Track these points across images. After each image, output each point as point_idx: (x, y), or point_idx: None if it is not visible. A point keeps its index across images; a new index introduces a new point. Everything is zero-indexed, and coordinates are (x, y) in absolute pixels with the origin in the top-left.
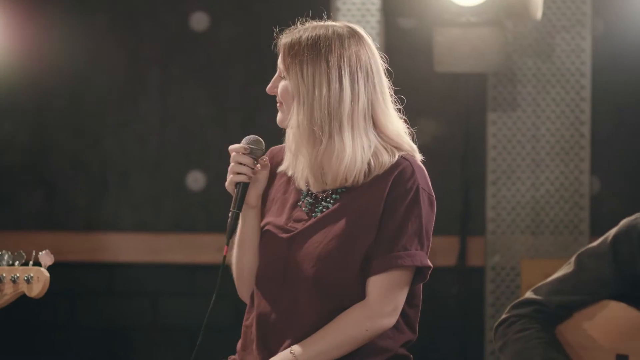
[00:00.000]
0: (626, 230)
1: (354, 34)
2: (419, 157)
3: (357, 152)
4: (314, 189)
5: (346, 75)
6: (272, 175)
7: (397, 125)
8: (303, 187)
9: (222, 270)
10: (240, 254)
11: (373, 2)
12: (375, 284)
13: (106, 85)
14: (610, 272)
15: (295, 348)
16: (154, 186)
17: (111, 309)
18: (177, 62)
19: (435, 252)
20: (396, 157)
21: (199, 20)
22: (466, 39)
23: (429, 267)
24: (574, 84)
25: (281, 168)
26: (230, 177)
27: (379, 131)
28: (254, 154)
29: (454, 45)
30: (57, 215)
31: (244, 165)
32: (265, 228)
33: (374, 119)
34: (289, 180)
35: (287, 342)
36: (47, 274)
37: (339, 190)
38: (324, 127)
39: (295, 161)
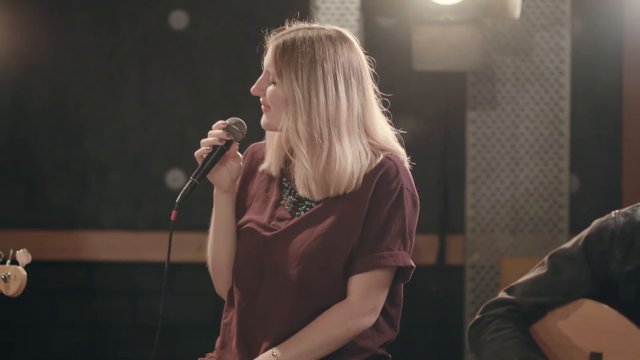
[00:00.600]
0: (597, 232)
1: (345, 39)
2: (405, 160)
3: (355, 160)
4: (316, 197)
5: (341, 82)
6: (253, 172)
7: (386, 131)
8: (306, 194)
9: (171, 237)
10: (216, 245)
11: (352, 0)
12: (357, 283)
13: (86, 84)
14: (584, 273)
15: (277, 349)
16: (133, 185)
17: (91, 308)
18: (156, 61)
19: (415, 250)
20: (380, 157)
21: (178, 19)
22: (445, 37)
23: (412, 267)
24: (553, 83)
25: (263, 167)
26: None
27: (369, 137)
28: (231, 132)
29: (433, 44)
30: (37, 213)
31: (215, 137)
32: (247, 225)
33: (365, 125)
34: (271, 178)
35: (267, 341)
36: (25, 273)
37: None
38: (324, 134)
39: (293, 167)
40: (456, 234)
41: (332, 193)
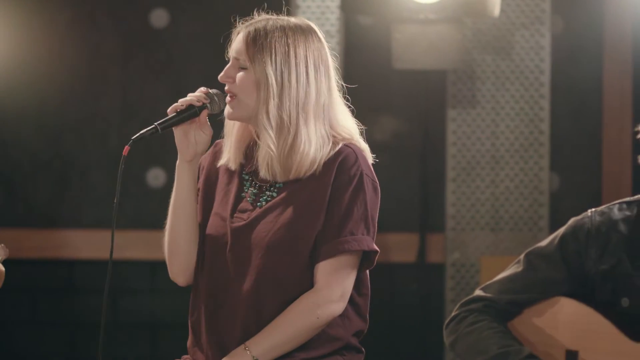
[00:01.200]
0: (573, 230)
1: (313, 30)
2: (369, 155)
3: (318, 145)
4: (279, 179)
5: (311, 69)
6: (216, 169)
7: (349, 124)
8: (268, 176)
9: (121, 170)
10: (174, 221)
11: None
12: (323, 269)
13: (66, 82)
14: (559, 272)
15: (250, 343)
16: (114, 183)
17: (72, 306)
18: (137, 59)
19: (394, 248)
20: (339, 145)
21: (159, 17)
22: (424, 35)
23: (376, 251)
24: (533, 81)
25: (222, 162)
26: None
27: (332, 127)
28: (210, 99)
29: (412, 42)
30: (18, 211)
31: (194, 97)
32: (211, 220)
33: (329, 114)
34: (232, 172)
35: (237, 335)
36: (2, 268)
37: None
38: (292, 117)
39: (257, 150)
40: (436, 233)
41: (292, 176)
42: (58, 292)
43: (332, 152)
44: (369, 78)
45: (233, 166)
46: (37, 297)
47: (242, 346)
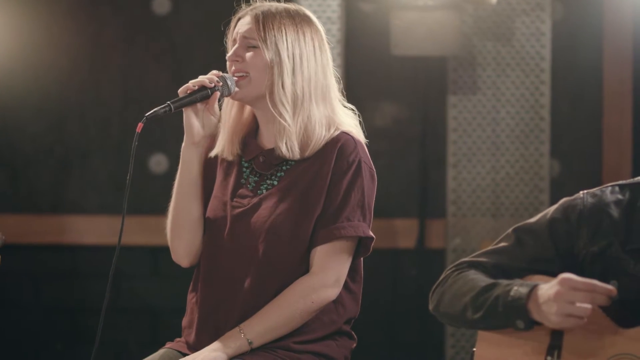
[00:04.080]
0: (564, 211)
1: (312, 17)
2: (362, 138)
3: (321, 125)
4: (298, 156)
5: (317, 51)
6: (215, 159)
7: (343, 108)
8: (287, 153)
9: (134, 147)
10: (178, 203)
11: None
12: (319, 255)
13: (68, 68)
14: (547, 251)
15: (244, 326)
16: (116, 169)
17: (75, 291)
18: (139, 46)
19: (394, 234)
20: (337, 132)
21: (161, 4)
22: (423, 22)
23: (372, 238)
24: (534, 67)
25: (215, 152)
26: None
27: (332, 109)
28: (222, 81)
29: (411, 29)
30: (20, 197)
31: (206, 79)
32: (210, 203)
33: (331, 97)
34: (230, 162)
35: (233, 317)
36: None
37: (284, 168)
38: (305, 94)
39: (272, 128)
40: (437, 218)
41: (308, 152)
42: (61, 277)
43: (334, 135)
44: (370, 64)
45: (229, 156)
46: (40, 282)
47: (237, 328)
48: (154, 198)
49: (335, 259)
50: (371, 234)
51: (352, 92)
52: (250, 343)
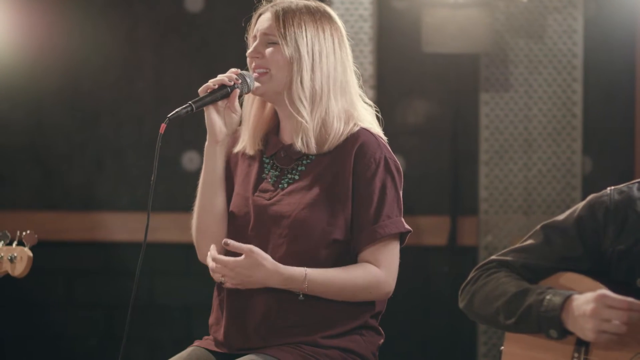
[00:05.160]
0: (591, 208)
1: (333, 14)
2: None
3: (340, 120)
4: (315, 151)
5: (337, 47)
6: (235, 156)
7: (363, 104)
8: (303, 148)
9: (158, 147)
10: (203, 202)
11: None
12: (374, 253)
13: (102, 66)
14: (575, 250)
15: (310, 270)
16: (149, 166)
17: (107, 288)
18: (172, 43)
19: (425, 231)
20: (357, 127)
21: (194, 2)
22: (454, 19)
23: (410, 231)
24: (566, 65)
25: (237, 148)
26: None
27: (351, 104)
28: (241, 79)
29: (442, 26)
30: (54, 194)
31: (226, 77)
32: (233, 199)
33: (347, 94)
34: (252, 157)
35: (261, 313)
36: (31, 254)
37: (304, 162)
38: (324, 89)
39: (292, 122)
40: (469, 215)
41: (326, 147)
42: (94, 274)
43: (354, 130)
44: (402, 61)
45: (251, 152)
46: (73, 278)
47: (303, 268)
48: (187, 195)
49: (390, 255)
50: (409, 227)
51: (385, 89)
52: (306, 275)
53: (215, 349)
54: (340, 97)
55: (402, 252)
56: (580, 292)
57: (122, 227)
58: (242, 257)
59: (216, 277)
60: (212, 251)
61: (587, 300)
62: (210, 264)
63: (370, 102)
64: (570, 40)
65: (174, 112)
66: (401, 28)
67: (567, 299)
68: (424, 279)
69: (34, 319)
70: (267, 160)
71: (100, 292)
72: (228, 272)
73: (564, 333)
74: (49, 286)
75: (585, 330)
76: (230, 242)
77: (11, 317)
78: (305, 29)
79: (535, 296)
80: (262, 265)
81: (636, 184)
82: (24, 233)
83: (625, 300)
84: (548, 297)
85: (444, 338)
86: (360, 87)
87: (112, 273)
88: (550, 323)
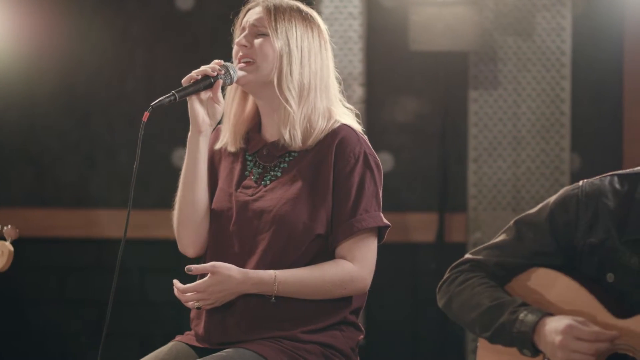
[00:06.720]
0: (563, 202)
1: (318, 18)
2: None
3: (323, 116)
4: (300, 144)
5: (323, 45)
6: (219, 152)
7: (342, 104)
8: (290, 142)
9: (141, 134)
10: (184, 192)
11: None
12: (349, 247)
13: (94, 65)
14: (547, 245)
15: (278, 272)
16: (141, 164)
17: (100, 285)
18: (163, 41)
19: (414, 228)
20: (337, 124)
21: (185, 0)
22: (441, 17)
23: (389, 226)
24: (555, 62)
25: (218, 145)
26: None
27: (331, 102)
28: (225, 70)
29: (429, 24)
30: (47, 192)
31: (209, 68)
32: (216, 194)
33: (331, 91)
34: (234, 154)
35: (241, 308)
36: (11, 248)
37: (287, 159)
38: (311, 84)
39: (276, 118)
40: (458, 212)
41: (310, 141)
42: (86, 271)
43: (334, 126)
44: (391, 59)
45: (232, 148)
46: (65, 275)
47: (272, 271)
48: None
49: (366, 250)
50: (387, 222)
51: (374, 87)
52: (275, 277)
53: (195, 343)
54: (324, 96)
55: (391, 248)
56: (551, 304)
57: (114, 224)
58: (208, 276)
59: (190, 305)
60: (178, 284)
61: (556, 330)
62: (181, 296)
63: (351, 107)
64: (559, 38)
65: (157, 100)
66: (390, 26)
67: (539, 321)
68: (412, 275)
69: (26, 315)
70: (250, 158)
71: (93, 288)
72: (202, 296)
73: (537, 352)
74: (42, 283)
75: (555, 358)
76: (193, 266)
77: (3, 314)
78: (296, 26)
79: (507, 315)
80: (230, 276)
81: (608, 178)
82: (4, 228)
83: (592, 332)
84: (521, 316)
85: (432, 334)
86: (341, 92)
87: (104, 270)
88: (523, 344)
